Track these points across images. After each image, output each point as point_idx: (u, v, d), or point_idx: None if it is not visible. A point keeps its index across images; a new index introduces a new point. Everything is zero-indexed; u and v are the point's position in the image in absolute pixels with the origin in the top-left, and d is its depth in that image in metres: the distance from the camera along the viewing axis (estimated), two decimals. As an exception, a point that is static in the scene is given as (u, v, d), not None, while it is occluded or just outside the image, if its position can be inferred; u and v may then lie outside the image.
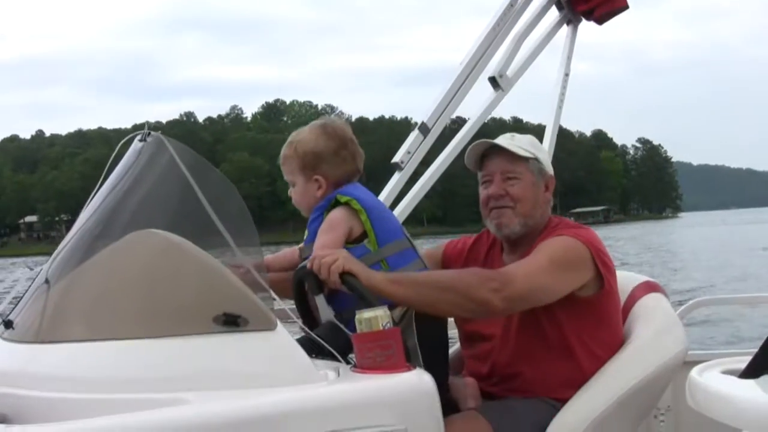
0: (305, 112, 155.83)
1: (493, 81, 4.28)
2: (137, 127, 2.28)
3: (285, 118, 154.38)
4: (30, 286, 2.26)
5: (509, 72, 4.33)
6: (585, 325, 2.71)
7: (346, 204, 2.59)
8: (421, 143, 4.08)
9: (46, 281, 2.20)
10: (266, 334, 2.05)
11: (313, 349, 2.22)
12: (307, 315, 2.59)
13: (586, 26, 4.72)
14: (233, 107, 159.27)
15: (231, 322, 2.02)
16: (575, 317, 2.69)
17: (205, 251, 2.12)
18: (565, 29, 4.70)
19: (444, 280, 2.51)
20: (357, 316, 2.13)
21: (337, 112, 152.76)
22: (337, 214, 2.59)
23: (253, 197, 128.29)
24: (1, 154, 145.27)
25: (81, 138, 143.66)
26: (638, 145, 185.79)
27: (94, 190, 2.30)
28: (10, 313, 2.22)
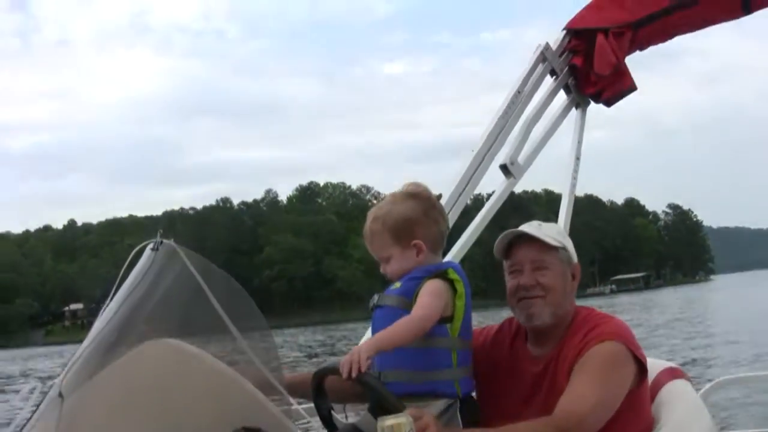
0: (339, 193, 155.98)
1: (504, 169, 4.14)
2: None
3: (320, 200, 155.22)
4: (43, 399, 2.10)
5: (520, 159, 4.19)
6: (620, 415, 2.51)
7: (450, 281, 2.42)
8: None
9: (60, 395, 2.03)
10: None
11: None
12: (326, 417, 2.42)
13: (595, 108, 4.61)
14: (268, 191, 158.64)
15: None
16: (623, 410, 2.51)
17: (221, 359, 1.97)
18: (574, 113, 4.59)
19: None
20: (379, 423, 1.96)
21: (373, 192, 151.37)
22: (442, 287, 2.39)
23: (299, 278, 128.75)
24: (39, 244, 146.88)
25: (115, 226, 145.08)
26: (668, 210, 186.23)
27: (108, 299, 2.16)
28: (22, 428, 2.05)
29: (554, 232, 2.71)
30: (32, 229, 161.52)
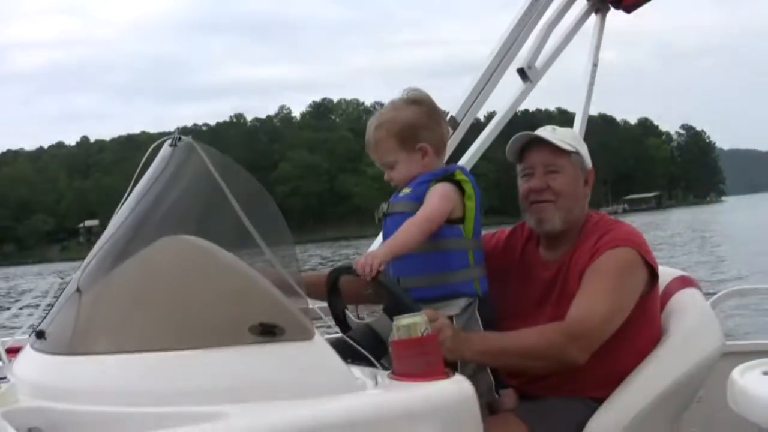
0: (352, 110, 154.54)
1: (521, 72, 4.06)
2: (182, 131, 2.10)
3: (333, 117, 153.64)
4: (61, 294, 2.10)
5: (537, 63, 4.10)
6: (632, 321, 2.50)
7: (458, 183, 2.40)
8: (450, 137, 3.85)
9: (78, 290, 2.03)
10: (304, 343, 1.87)
11: (347, 352, 2.04)
12: (339, 317, 2.42)
13: (614, 15, 4.45)
14: (281, 107, 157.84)
15: (268, 332, 1.83)
16: (634, 316, 2.50)
17: (239, 257, 1.94)
18: (593, 18, 4.44)
19: (531, 346, 2.34)
20: (395, 323, 1.94)
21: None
22: (450, 189, 2.38)
23: (314, 194, 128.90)
24: (53, 161, 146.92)
25: (128, 143, 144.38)
26: (681, 131, 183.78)
27: (124, 196, 2.12)
28: (41, 322, 2.06)
29: (568, 136, 2.66)
30: (45, 146, 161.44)
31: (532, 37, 4.04)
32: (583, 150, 2.67)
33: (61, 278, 2.17)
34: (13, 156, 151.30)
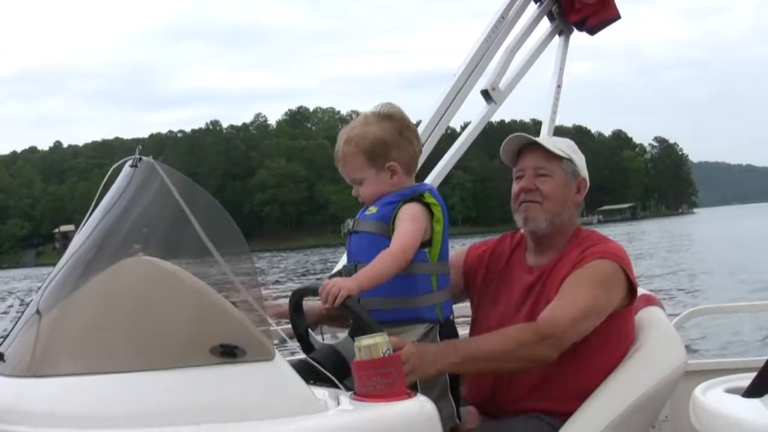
0: (328, 119, 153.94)
1: (485, 94, 4.06)
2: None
3: (309, 125, 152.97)
4: (21, 316, 2.05)
5: (501, 85, 4.10)
6: (602, 336, 2.52)
7: (427, 206, 2.33)
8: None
9: (38, 312, 1.98)
10: (264, 364, 1.85)
11: (309, 373, 2.02)
12: (303, 338, 2.39)
13: (578, 35, 4.49)
14: (257, 115, 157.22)
15: (228, 353, 1.81)
16: (605, 331, 2.52)
17: (199, 278, 1.92)
18: (557, 40, 4.47)
19: (503, 350, 2.34)
20: (356, 343, 1.93)
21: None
22: (419, 211, 2.30)
23: (291, 202, 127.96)
24: (27, 165, 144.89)
25: (103, 148, 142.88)
26: (654, 143, 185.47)
27: (86, 217, 2.08)
28: (0, 345, 2.01)
29: (564, 144, 2.68)
30: (18, 150, 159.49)
31: (496, 58, 4.05)
32: (578, 159, 2.69)
33: (21, 300, 2.12)
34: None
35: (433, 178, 3.79)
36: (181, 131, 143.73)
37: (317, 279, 2.63)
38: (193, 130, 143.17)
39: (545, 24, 4.40)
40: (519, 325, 2.43)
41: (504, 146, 2.68)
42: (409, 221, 2.27)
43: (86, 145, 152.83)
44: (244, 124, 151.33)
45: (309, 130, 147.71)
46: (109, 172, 2.09)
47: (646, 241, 46.89)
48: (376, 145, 2.35)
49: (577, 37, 4.50)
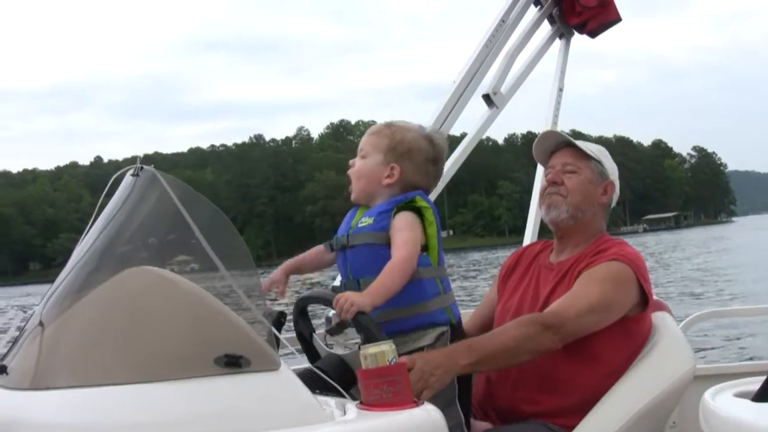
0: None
1: (487, 98, 4.04)
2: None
3: (351, 137, 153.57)
4: (24, 328, 2.02)
5: (503, 89, 4.09)
6: (613, 339, 2.52)
7: (418, 210, 2.35)
8: None
9: (40, 323, 1.95)
10: (270, 374, 1.82)
11: (315, 382, 2.00)
12: (308, 346, 2.37)
13: (578, 39, 4.48)
14: (300, 128, 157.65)
15: (233, 363, 1.79)
16: (622, 336, 2.54)
17: (203, 288, 1.89)
18: (558, 43, 4.45)
19: (513, 345, 2.34)
20: (362, 352, 1.91)
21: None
22: (413, 218, 2.33)
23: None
24: (72, 181, 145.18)
25: (144, 163, 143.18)
26: (693, 152, 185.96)
27: (87, 228, 2.06)
28: (3, 357, 1.98)
29: (595, 147, 2.73)
30: (61, 165, 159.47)
31: (497, 62, 4.03)
32: (608, 163, 2.73)
33: (24, 311, 2.09)
34: (32, 176, 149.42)
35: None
36: (222, 145, 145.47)
37: (323, 287, 2.61)
38: (235, 144, 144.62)
39: (546, 27, 4.39)
40: (528, 315, 2.45)
41: (536, 145, 2.76)
42: (407, 230, 2.29)
43: (126, 160, 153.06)
44: (287, 137, 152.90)
45: (352, 143, 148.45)
46: (110, 182, 2.07)
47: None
48: (403, 145, 2.41)
49: (588, 42, 4.49)
